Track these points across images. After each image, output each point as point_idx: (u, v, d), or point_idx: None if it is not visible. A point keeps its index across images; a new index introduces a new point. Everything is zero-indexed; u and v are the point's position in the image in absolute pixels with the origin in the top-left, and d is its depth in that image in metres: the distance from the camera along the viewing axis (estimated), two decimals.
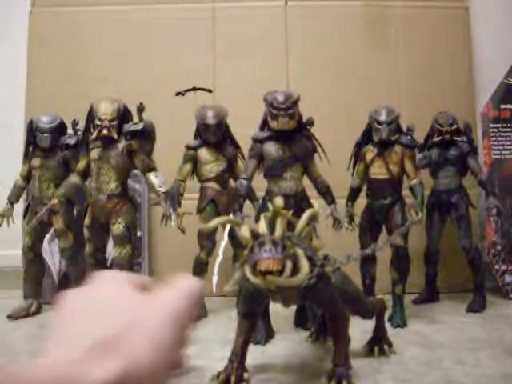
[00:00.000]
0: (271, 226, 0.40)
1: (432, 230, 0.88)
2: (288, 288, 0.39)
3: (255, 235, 0.40)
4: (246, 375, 0.46)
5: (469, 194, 0.87)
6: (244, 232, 0.39)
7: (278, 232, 0.38)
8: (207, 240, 0.83)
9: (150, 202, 0.98)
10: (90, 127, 0.76)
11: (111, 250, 0.77)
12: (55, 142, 0.85)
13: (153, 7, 1.10)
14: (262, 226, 0.41)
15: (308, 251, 0.41)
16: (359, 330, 0.58)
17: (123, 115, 0.75)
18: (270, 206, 0.42)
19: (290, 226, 0.42)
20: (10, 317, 0.81)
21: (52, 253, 0.97)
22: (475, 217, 0.92)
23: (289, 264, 0.38)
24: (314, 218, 0.44)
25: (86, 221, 0.75)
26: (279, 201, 0.39)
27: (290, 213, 0.43)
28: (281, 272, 0.37)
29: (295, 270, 0.38)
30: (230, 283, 0.40)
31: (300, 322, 0.70)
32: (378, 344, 0.53)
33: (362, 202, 0.84)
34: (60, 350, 0.28)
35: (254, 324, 0.48)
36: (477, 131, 1.02)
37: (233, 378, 0.44)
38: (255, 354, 0.49)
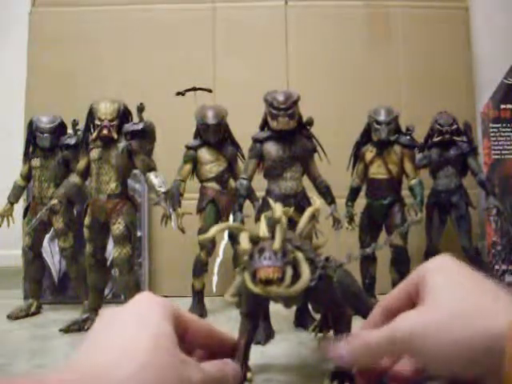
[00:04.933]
0: (272, 229, 0.39)
1: (432, 229, 0.88)
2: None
3: (255, 240, 0.39)
4: (249, 375, 0.46)
5: (469, 194, 0.87)
6: (243, 243, 0.39)
7: (277, 243, 0.38)
8: (207, 241, 0.83)
9: (150, 202, 0.98)
10: (90, 127, 0.76)
11: (111, 250, 0.76)
12: (55, 142, 0.85)
13: (153, 7, 1.10)
14: (263, 229, 0.40)
15: (309, 253, 0.41)
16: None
17: (123, 115, 0.75)
18: (272, 203, 0.41)
19: (292, 223, 0.42)
20: (9, 317, 0.81)
21: (52, 253, 0.97)
22: (475, 217, 0.92)
23: (289, 271, 0.37)
24: (315, 216, 0.44)
25: (86, 221, 0.75)
26: (279, 209, 0.39)
27: (292, 209, 0.43)
28: (281, 279, 0.37)
29: (296, 275, 0.38)
30: (229, 292, 0.39)
31: (300, 322, 0.70)
32: None
33: (362, 201, 0.84)
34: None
35: (256, 324, 0.48)
36: (477, 131, 1.02)
37: None
38: (255, 354, 0.49)
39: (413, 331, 0.37)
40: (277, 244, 0.37)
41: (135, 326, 0.34)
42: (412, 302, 0.41)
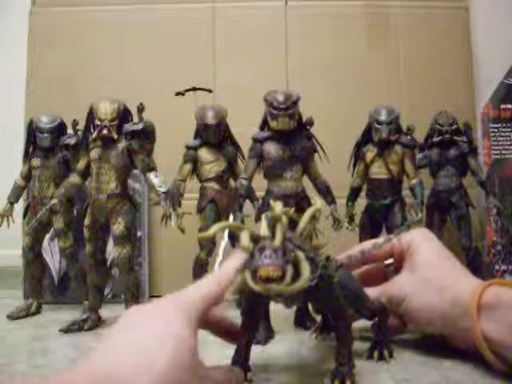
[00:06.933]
0: (272, 229, 0.39)
1: (432, 229, 0.87)
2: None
3: (255, 239, 0.39)
4: (249, 374, 0.46)
5: (469, 194, 0.87)
6: (244, 241, 0.39)
7: (278, 240, 0.38)
8: (207, 240, 0.83)
9: (150, 202, 0.98)
10: (90, 127, 0.76)
11: (111, 250, 0.76)
12: (55, 142, 0.85)
13: (153, 7, 1.10)
14: (264, 228, 0.40)
15: (309, 253, 0.40)
16: (359, 328, 0.57)
17: (123, 115, 0.75)
18: (272, 202, 0.41)
19: (293, 224, 0.42)
20: (9, 317, 0.81)
21: (52, 253, 0.97)
22: (475, 217, 0.92)
23: (289, 270, 0.37)
24: (316, 216, 0.44)
25: (86, 221, 0.75)
26: (278, 207, 0.39)
27: (292, 210, 0.43)
28: (281, 278, 0.37)
29: (296, 273, 0.38)
30: (230, 290, 0.39)
31: (300, 322, 0.70)
32: (378, 349, 0.53)
33: (362, 201, 0.84)
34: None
35: (256, 323, 0.48)
36: (477, 131, 1.02)
37: None
38: (255, 354, 0.49)
39: (405, 296, 0.52)
40: (277, 241, 0.37)
41: (157, 335, 0.33)
42: (391, 254, 0.58)
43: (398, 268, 0.58)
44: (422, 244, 0.55)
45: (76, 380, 0.28)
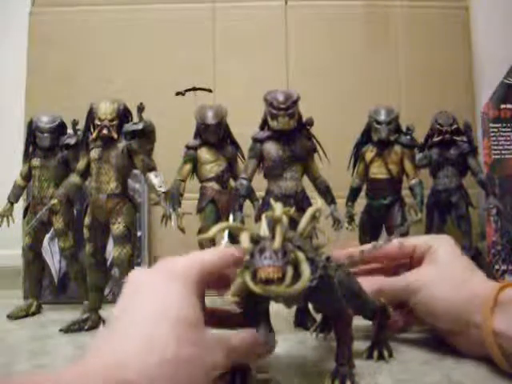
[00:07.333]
0: (273, 229, 0.39)
1: (432, 230, 0.88)
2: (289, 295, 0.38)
3: (256, 240, 0.39)
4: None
5: (469, 194, 0.87)
6: (244, 242, 0.39)
7: (277, 243, 0.37)
8: (207, 240, 0.83)
9: (150, 202, 0.98)
10: (90, 127, 0.76)
11: (111, 250, 0.76)
12: (55, 142, 0.85)
13: (153, 7, 1.10)
14: (264, 228, 0.40)
15: (310, 253, 0.40)
16: (359, 328, 0.57)
17: (123, 115, 0.75)
18: (272, 202, 0.41)
19: (293, 223, 0.42)
20: (9, 317, 0.81)
21: (52, 253, 0.97)
22: (475, 217, 0.92)
23: (289, 271, 0.37)
24: (316, 216, 0.44)
25: (86, 221, 0.75)
26: (279, 208, 0.39)
27: (293, 210, 0.43)
28: (281, 279, 0.37)
29: (296, 274, 0.37)
30: (231, 291, 0.39)
31: (300, 321, 0.70)
32: (378, 349, 0.53)
33: (362, 201, 0.84)
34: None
35: (257, 324, 0.47)
36: (477, 131, 1.02)
37: (237, 378, 0.44)
38: None
39: (423, 286, 0.53)
40: (276, 243, 0.37)
41: (155, 313, 0.33)
42: (408, 255, 0.59)
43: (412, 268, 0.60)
44: (442, 244, 0.58)
45: (88, 371, 0.29)
